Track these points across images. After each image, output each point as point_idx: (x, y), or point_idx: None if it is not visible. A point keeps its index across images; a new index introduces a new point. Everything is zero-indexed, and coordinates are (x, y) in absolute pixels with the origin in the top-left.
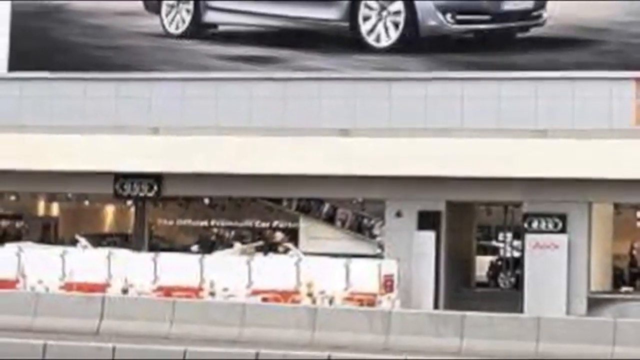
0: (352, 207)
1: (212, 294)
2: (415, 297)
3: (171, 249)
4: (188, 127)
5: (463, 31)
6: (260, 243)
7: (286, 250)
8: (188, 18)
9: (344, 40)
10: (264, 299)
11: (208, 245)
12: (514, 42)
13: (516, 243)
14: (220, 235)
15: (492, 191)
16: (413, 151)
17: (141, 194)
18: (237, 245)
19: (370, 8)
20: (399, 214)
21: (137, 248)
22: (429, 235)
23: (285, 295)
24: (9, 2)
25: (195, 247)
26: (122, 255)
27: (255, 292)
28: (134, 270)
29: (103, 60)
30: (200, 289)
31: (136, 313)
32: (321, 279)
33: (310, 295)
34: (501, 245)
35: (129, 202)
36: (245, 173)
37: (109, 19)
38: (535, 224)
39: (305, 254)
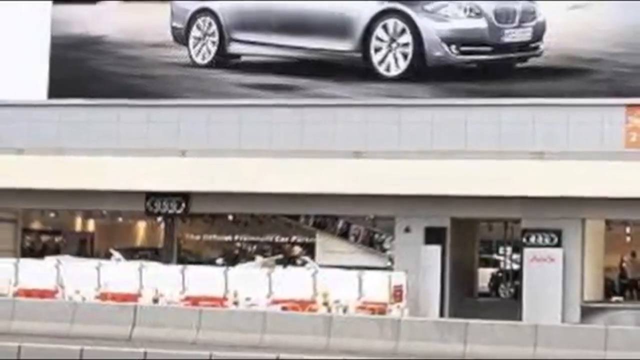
0: (365, 223)
1: (235, 303)
2: (423, 306)
3: (198, 262)
4: (213, 149)
5: (466, 61)
6: (280, 256)
7: (304, 263)
8: (213, 49)
9: (357, 70)
10: (284, 308)
11: (232, 259)
12: (513, 71)
13: (515, 256)
14: (243, 249)
15: (493, 208)
16: (420, 172)
17: (170, 211)
18: (259, 259)
19: (381, 40)
20: (407, 230)
21: (167, 261)
22: (435, 249)
23: (302, 305)
24: (49, 33)
25: (220, 260)
26: (153, 267)
27: (275, 302)
28: (164, 281)
29: (135, 88)
30: (225, 299)
31: (166, 321)
32: (336, 289)
33: (325, 304)
34: (501, 258)
35: (159, 219)
36: (266, 192)
37: (141, 50)
38: (532, 239)
39: (322, 266)
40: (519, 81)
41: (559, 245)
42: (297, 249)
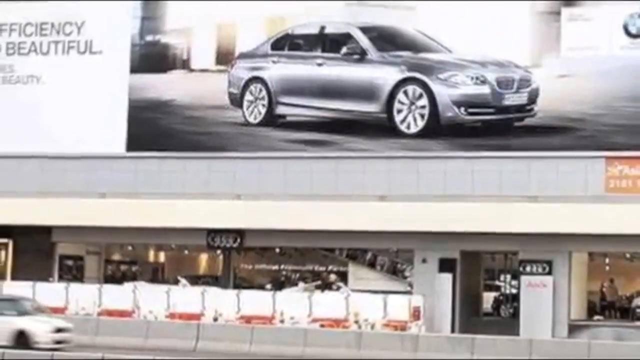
0: (389, 255)
1: (281, 321)
2: (437, 323)
3: (250, 287)
4: (263, 194)
5: (473, 121)
6: (319, 282)
7: (338, 288)
8: (263, 111)
9: (382, 128)
10: (322, 325)
11: (278, 284)
12: (512, 129)
13: (514, 282)
14: (288, 276)
15: (496, 243)
16: (435, 212)
17: (227, 245)
18: (301, 284)
19: (402, 103)
20: (424, 261)
21: (225, 286)
22: (447, 277)
23: (337, 322)
24: (127, 97)
25: (269, 286)
26: (213, 291)
27: (315, 320)
28: (222, 303)
29: (198, 143)
30: (273, 318)
31: (224, 336)
32: (365, 310)
33: (356, 322)
34: (502, 284)
35: (218, 252)
36: (307, 229)
37: (203, 112)
38: (528, 268)
39: (353, 290)
40: (516, 137)
41: (550, 273)
42: (332, 276)
